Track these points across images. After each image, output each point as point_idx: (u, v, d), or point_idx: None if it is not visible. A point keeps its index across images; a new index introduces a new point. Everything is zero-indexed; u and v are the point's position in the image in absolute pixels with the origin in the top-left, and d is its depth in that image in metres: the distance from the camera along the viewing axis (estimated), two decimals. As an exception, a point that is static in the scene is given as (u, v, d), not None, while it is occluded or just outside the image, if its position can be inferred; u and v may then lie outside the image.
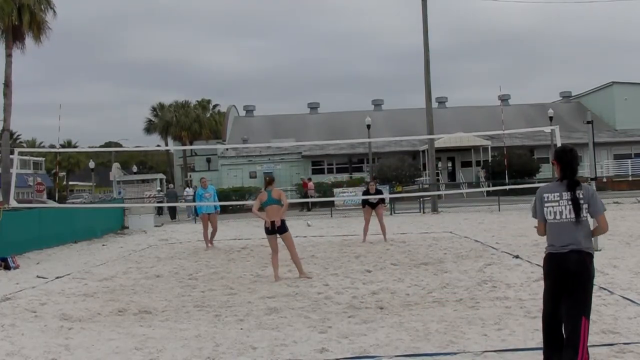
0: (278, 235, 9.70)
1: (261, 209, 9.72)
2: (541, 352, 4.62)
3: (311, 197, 31.14)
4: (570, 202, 4.34)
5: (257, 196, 10.11)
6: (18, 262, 12.56)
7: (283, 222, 9.62)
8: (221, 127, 54.29)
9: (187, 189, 36.94)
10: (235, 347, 5.64)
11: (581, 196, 4.35)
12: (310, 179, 35.39)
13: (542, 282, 8.11)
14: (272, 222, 9.52)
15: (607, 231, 4.60)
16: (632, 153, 42.86)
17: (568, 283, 4.34)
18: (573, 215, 4.34)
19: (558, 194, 4.41)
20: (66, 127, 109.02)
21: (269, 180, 9.92)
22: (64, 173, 69.69)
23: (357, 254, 12.40)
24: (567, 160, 4.44)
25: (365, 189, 16.18)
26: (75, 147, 69.19)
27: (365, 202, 15.37)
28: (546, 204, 4.44)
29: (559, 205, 4.40)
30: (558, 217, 4.40)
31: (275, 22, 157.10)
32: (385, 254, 12.26)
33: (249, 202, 22.30)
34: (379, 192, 15.56)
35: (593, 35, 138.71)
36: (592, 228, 4.56)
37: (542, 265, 4.64)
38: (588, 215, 4.40)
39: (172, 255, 13.94)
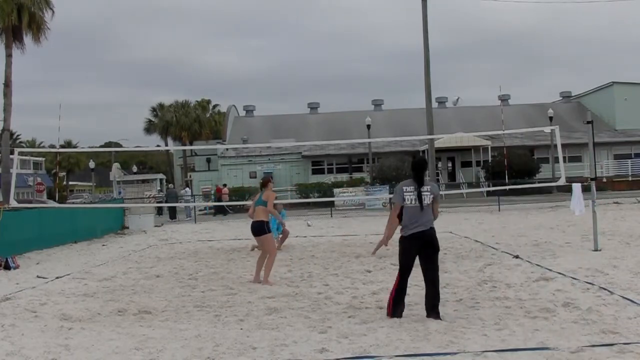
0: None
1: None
2: (541, 352, 4.89)
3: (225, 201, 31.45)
4: (417, 195, 6.41)
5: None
6: (18, 262, 12.55)
7: (261, 223, 9.35)
8: (221, 127, 54.25)
9: (187, 188, 36.96)
10: (235, 347, 5.63)
11: (427, 191, 6.43)
12: (225, 185, 35.30)
13: (542, 282, 8.25)
14: (252, 222, 9.44)
15: (437, 217, 6.57)
16: (632, 153, 42.78)
17: (425, 252, 6.41)
18: (418, 204, 6.38)
19: (413, 187, 6.47)
20: (66, 127, 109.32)
21: (263, 182, 9.77)
22: (64, 173, 69.59)
23: (357, 254, 12.41)
24: (417, 170, 6.57)
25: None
26: (75, 147, 69.14)
27: None
28: (406, 194, 6.47)
29: (413, 195, 6.44)
30: (412, 202, 6.43)
31: (275, 22, 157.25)
32: (386, 254, 12.26)
33: (248, 202, 22.30)
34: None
35: (593, 35, 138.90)
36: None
37: (403, 242, 6.47)
38: (434, 202, 6.46)
39: (172, 255, 13.94)
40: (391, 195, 27.70)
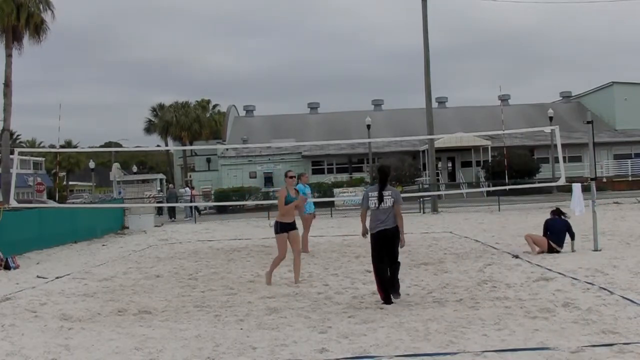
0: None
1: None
2: (541, 352, 5.02)
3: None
4: (378, 197, 7.37)
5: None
6: (18, 262, 12.55)
7: (275, 223, 9.26)
8: (221, 127, 54.26)
9: (187, 188, 36.95)
10: (235, 347, 5.64)
11: (388, 195, 7.36)
12: (193, 187, 36.35)
13: (542, 282, 8.34)
14: None
15: (401, 218, 7.47)
16: (632, 153, 42.81)
17: (388, 246, 7.41)
18: (380, 206, 7.35)
19: (376, 192, 7.45)
20: (66, 127, 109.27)
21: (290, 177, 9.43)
22: (64, 173, 69.56)
23: (357, 254, 12.40)
24: (379, 176, 7.54)
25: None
26: (75, 147, 69.11)
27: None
28: (370, 199, 7.47)
29: (375, 199, 7.41)
30: (374, 206, 7.41)
31: (275, 22, 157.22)
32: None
33: (248, 202, 22.39)
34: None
35: (593, 35, 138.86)
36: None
37: (371, 238, 7.56)
38: (394, 205, 7.38)
39: (172, 255, 13.94)
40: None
